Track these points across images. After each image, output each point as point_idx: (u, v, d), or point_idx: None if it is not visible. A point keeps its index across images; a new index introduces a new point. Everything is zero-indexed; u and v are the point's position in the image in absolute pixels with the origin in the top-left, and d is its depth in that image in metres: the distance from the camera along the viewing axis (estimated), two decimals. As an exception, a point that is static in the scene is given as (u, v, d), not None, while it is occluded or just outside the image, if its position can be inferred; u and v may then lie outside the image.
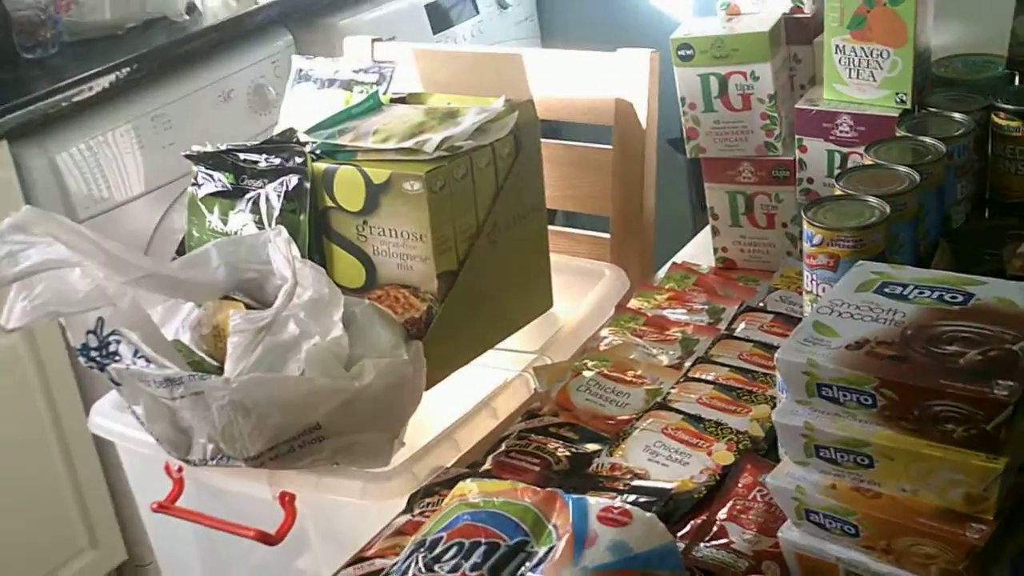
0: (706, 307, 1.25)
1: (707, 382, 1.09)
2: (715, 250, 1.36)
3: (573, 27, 2.77)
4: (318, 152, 1.28)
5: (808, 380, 0.81)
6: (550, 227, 1.39)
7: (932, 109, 1.19)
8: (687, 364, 1.14)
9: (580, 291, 1.35)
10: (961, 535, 0.76)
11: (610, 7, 2.71)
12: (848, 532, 0.81)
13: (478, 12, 2.63)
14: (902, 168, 1.07)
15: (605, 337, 1.22)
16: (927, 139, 1.12)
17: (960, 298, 0.84)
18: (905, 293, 0.86)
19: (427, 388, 1.16)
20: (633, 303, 1.28)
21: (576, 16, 2.78)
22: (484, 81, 1.42)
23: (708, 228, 1.37)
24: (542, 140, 1.36)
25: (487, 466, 1.04)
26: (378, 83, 1.41)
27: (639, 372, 1.14)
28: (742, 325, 1.19)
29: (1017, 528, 0.78)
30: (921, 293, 0.86)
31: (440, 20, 2.54)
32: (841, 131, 1.22)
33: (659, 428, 1.04)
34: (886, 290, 0.87)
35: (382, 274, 1.23)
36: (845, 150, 1.22)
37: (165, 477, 1.16)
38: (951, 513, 0.77)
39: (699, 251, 1.40)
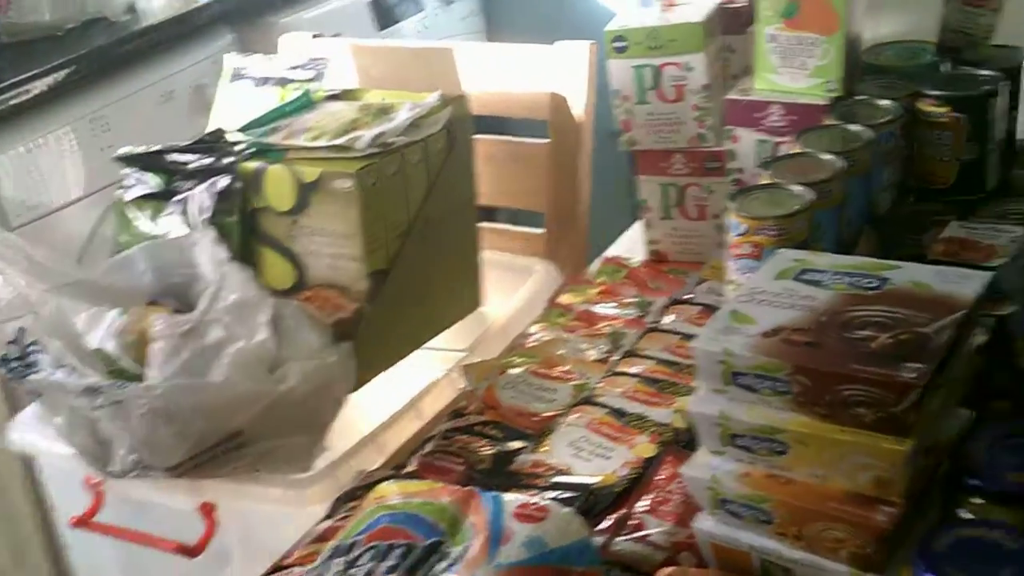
0: (636, 300, 1.24)
1: (633, 375, 1.09)
2: (647, 243, 1.36)
3: (519, 21, 2.76)
4: (250, 151, 1.26)
5: (724, 369, 0.81)
6: (484, 224, 1.38)
7: (861, 97, 1.19)
8: (615, 358, 1.14)
9: (511, 288, 1.34)
10: (870, 519, 0.75)
11: (557, 5, 2.70)
12: (761, 520, 0.80)
13: (423, 8, 2.62)
14: (827, 155, 1.07)
15: (534, 333, 1.21)
16: (854, 126, 1.12)
17: (875, 283, 0.84)
18: (822, 279, 0.86)
19: (355, 389, 1.14)
20: (564, 298, 1.27)
21: (522, 10, 2.76)
22: (419, 76, 1.41)
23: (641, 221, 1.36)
24: (478, 135, 1.35)
25: (411, 467, 1.03)
26: (313, 80, 1.40)
27: (567, 368, 1.13)
28: (670, 317, 1.18)
29: (925, 510, 0.78)
30: (838, 279, 0.86)
31: (384, 16, 2.52)
32: (771, 121, 1.22)
33: (584, 423, 1.03)
34: (804, 277, 0.87)
35: (312, 275, 1.22)
36: (775, 139, 1.21)
37: (86, 491, 1.14)
38: (861, 497, 0.77)
39: (634, 244, 1.39)
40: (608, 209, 1.64)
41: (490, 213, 1.62)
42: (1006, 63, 1.20)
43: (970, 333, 0.83)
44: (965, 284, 0.83)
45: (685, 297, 1.22)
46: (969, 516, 0.77)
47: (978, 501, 0.77)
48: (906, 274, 0.85)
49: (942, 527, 0.74)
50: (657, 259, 1.35)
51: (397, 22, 2.55)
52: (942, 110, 1.15)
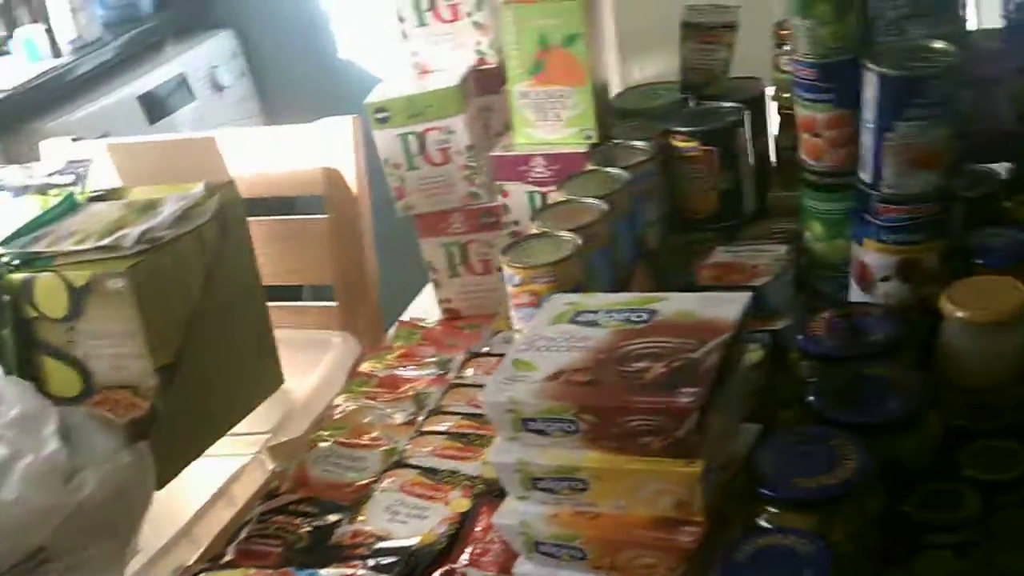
0: (435, 359, 1.26)
1: (440, 433, 1.11)
2: (440, 302, 1.38)
3: (295, 100, 2.74)
4: (15, 262, 1.23)
5: (513, 417, 0.83)
6: (277, 303, 1.38)
7: (616, 140, 1.25)
8: (421, 418, 1.15)
9: (311, 363, 1.34)
10: (675, 541, 0.79)
11: (330, 79, 2.71)
12: (576, 556, 0.83)
13: (195, 97, 2.59)
14: (590, 200, 1.12)
15: (339, 405, 1.22)
16: (612, 169, 1.17)
17: (645, 316, 0.88)
18: (596, 319, 0.90)
19: (161, 486, 1.12)
20: (365, 366, 1.28)
21: (298, 91, 2.76)
22: (184, 168, 1.40)
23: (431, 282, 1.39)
24: (259, 217, 1.35)
25: (229, 556, 1.02)
26: (74, 184, 1.38)
27: (375, 434, 1.14)
28: (470, 371, 1.21)
29: (728, 525, 0.82)
30: (610, 317, 0.90)
31: (155, 109, 2.49)
32: (536, 172, 1.27)
33: (397, 487, 1.04)
34: (579, 319, 0.91)
35: (99, 378, 1.19)
36: (543, 190, 1.26)
37: None
38: (665, 521, 0.80)
39: (428, 305, 1.41)
40: (405, 273, 1.67)
41: (295, 291, 1.62)
42: (746, 94, 1.29)
43: (740, 351, 0.89)
44: (728, 307, 0.88)
45: (482, 350, 1.25)
46: (766, 525, 0.80)
47: (773, 510, 0.81)
48: (672, 304, 0.90)
49: (743, 539, 0.78)
50: (452, 317, 1.38)
51: (169, 114, 2.52)
52: (692, 144, 1.22)
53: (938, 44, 1.02)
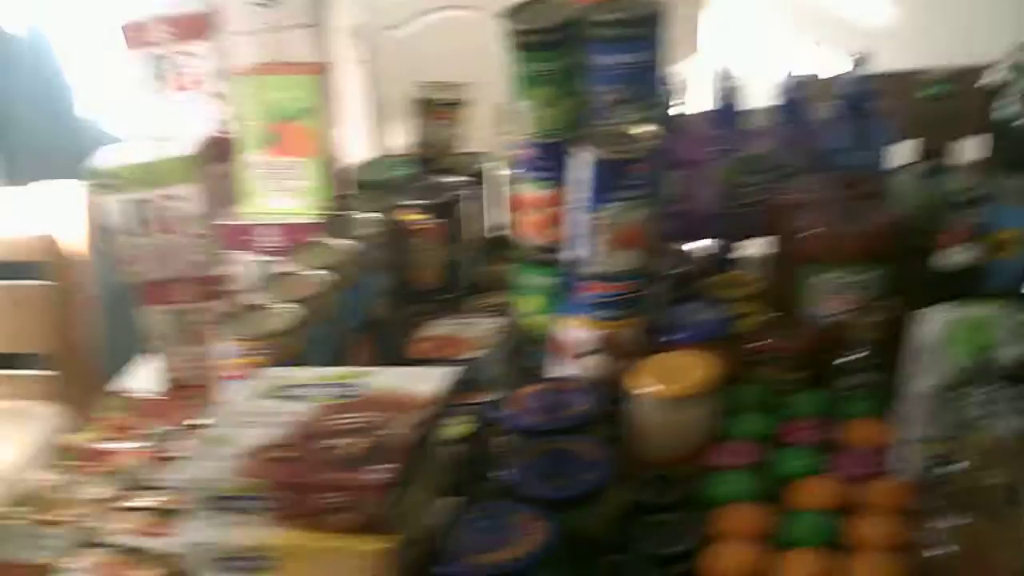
0: (151, 432, 1.21)
1: (141, 509, 1.06)
2: (162, 371, 1.34)
3: (38, 164, 2.62)
4: None
5: (206, 495, 0.81)
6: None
7: (348, 212, 1.25)
8: (121, 494, 1.10)
9: (12, 436, 1.26)
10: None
11: (75, 141, 2.59)
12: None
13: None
14: (315, 271, 1.11)
15: (38, 480, 1.15)
16: (341, 241, 1.17)
17: (352, 391, 0.88)
18: (304, 394, 0.89)
19: None
20: (72, 439, 1.22)
21: (41, 153, 2.62)
22: None
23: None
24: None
25: None
26: None
27: (70, 511, 1.08)
28: (183, 443, 1.16)
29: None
30: (318, 392, 0.89)
31: None
32: (265, 242, 1.25)
33: (85, 567, 0.99)
34: (287, 393, 0.90)
35: None
36: (270, 260, 1.24)
37: None
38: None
39: (152, 374, 1.36)
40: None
41: (10, 359, 1.53)
42: (470, 168, 1.33)
43: (441, 426, 0.89)
44: (432, 381, 0.89)
45: (198, 422, 1.21)
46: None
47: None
48: (380, 379, 0.90)
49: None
50: (174, 386, 1.33)
51: None
52: (419, 217, 1.24)
53: (645, 128, 1.07)
